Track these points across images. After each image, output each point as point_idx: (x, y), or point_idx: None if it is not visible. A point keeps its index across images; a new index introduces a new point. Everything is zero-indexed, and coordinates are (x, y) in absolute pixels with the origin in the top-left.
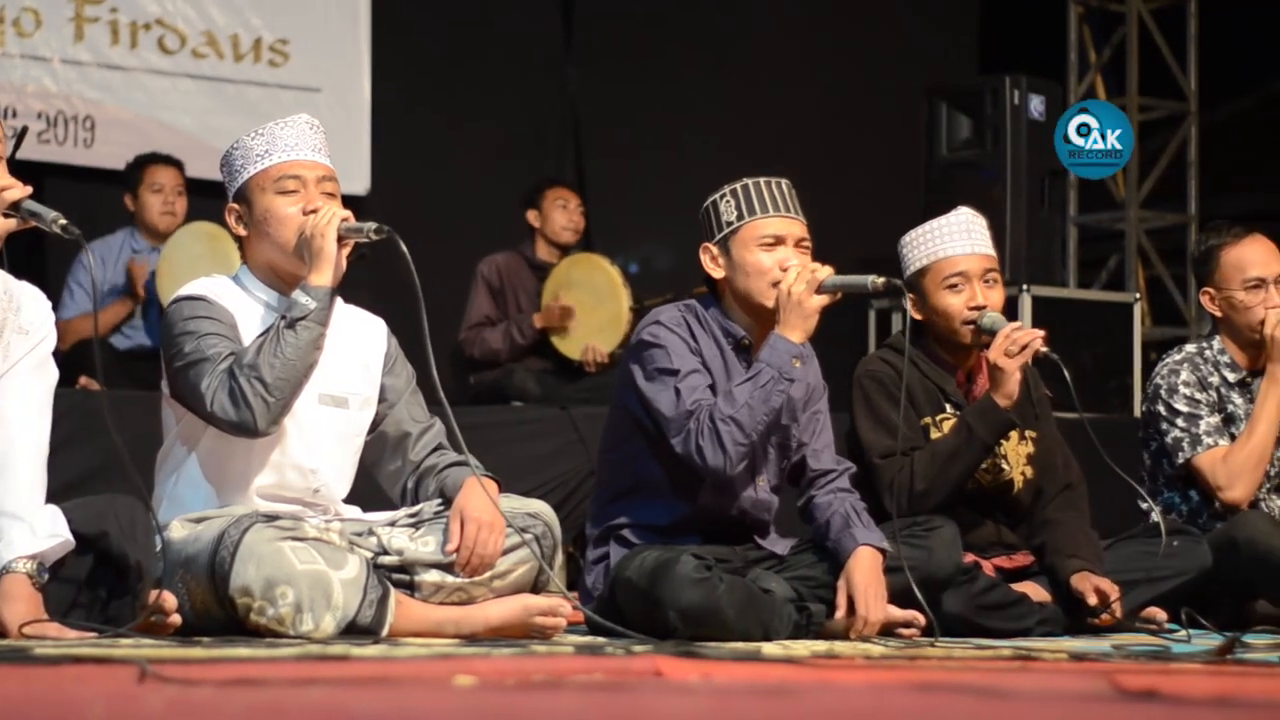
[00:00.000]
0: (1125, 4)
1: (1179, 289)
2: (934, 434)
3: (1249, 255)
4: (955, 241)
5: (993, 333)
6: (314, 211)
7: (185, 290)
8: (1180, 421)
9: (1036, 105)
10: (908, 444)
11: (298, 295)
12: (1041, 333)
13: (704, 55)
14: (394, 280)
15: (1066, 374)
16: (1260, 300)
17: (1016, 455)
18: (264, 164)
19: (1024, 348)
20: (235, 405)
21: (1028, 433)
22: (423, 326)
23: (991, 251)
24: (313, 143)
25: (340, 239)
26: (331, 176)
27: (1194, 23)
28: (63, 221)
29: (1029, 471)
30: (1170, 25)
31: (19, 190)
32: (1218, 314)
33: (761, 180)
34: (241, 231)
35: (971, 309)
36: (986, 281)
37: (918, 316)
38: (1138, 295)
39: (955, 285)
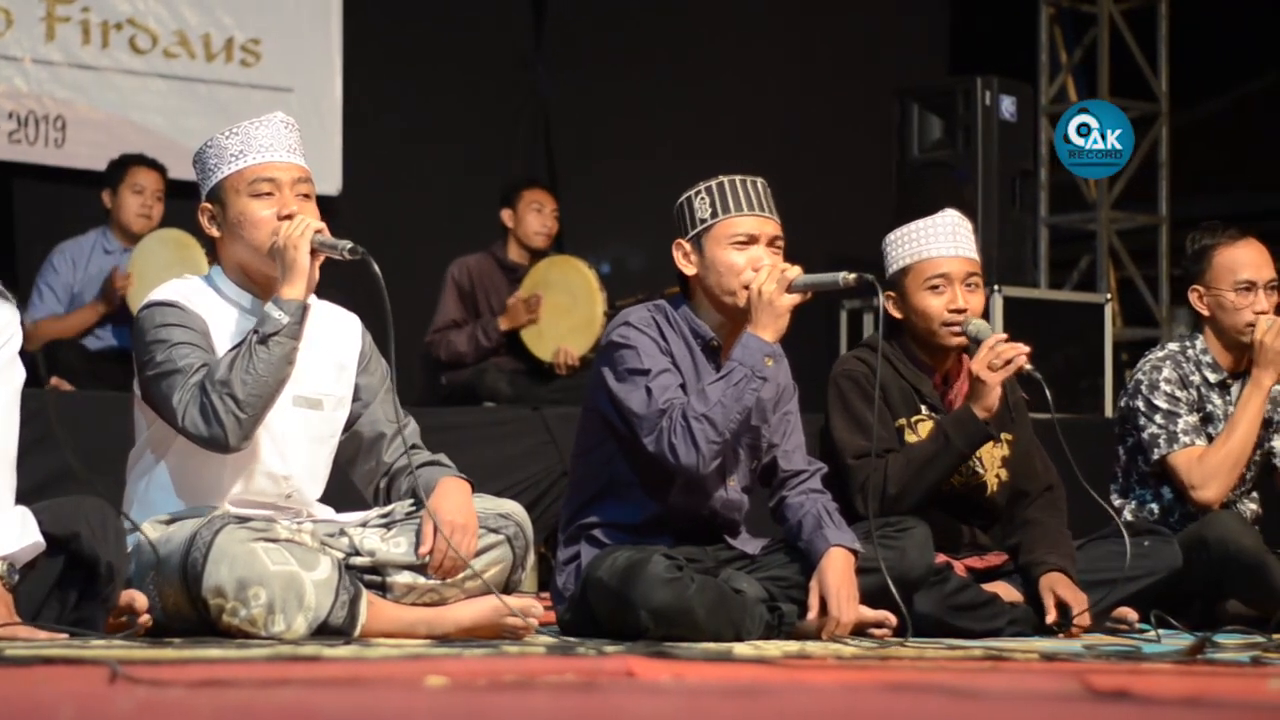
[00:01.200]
0: (1096, 5)
1: (1150, 290)
2: (909, 436)
3: (1242, 257)
4: (939, 243)
5: (978, 340)
6: (288, 217)
7: (157, 295)
8: (1159, 418)
9: (1008, 106)
10: (882, 445)
11: (270, 309)
12: (1026, 349)
13: (675, 56)
14: (363, 280)
15: (1048, 394)
16: (1249, 303)
17: (991, 458)
18: (238, 165)
19: (1008, 363)
20: (207, 422)
21: (1004, 435)
22: (390, 350)
23: (975, 255)
24: (288, 142)
25: (313, 251)
26: (306, 178)
27: (1165, 24)
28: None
29: (1003, 474)
30: (1141, 26)
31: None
32: (1205, 313)
33: (737, 178)
34: (214, 233)
35: (952, 311)
36: (968, 285)
37: (897, 315)
38: (1109, 296)
39: (936, 287)
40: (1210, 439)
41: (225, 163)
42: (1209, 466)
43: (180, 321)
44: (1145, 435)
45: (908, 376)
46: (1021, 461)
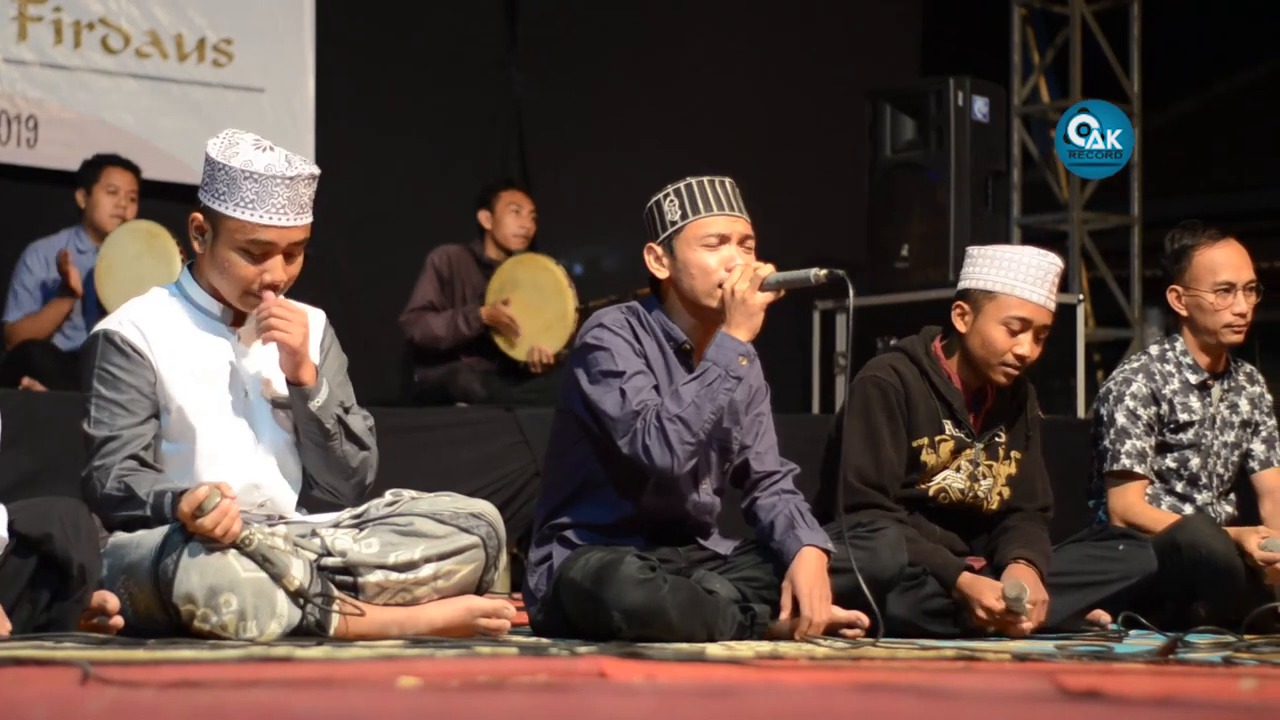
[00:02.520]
0: (1068, 6)
1: (1122, 290)
2: (926, 455)
3: (1221, 258)
4: (1036, 287)
5: (1016, 599)
6: (271, 287)
7: (111, 324)
8: (1111, 433)
9: (980, 107)
10: (886, 478)
11: (165, 504)
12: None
13: (649, 57)
14: (325, 284)
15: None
16: (1228, 304)
17: (998, 473)
18: (244, 215)
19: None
20: (90, 503)
21: (1013, 453)
22: None
23: (1053, 308)
24: (301, 201)
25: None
26: (303, 239)
27: (1137, 25)
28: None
29: (1006, 492)
30: (1113, 27)
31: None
32: (1183, 313)
33: (705, 179)
34: (198, 248)
35: (1017, 355)
36: (1039, 339)
37: (961, 329)
38: (1081, 297)
39: (1014, 328)
40: (1171, 450)
41: (234, 201)
42: (1129, 513)
43: (120, 372)
44: (1100, 445)
45: (941, 389)
46: (1025, 481)
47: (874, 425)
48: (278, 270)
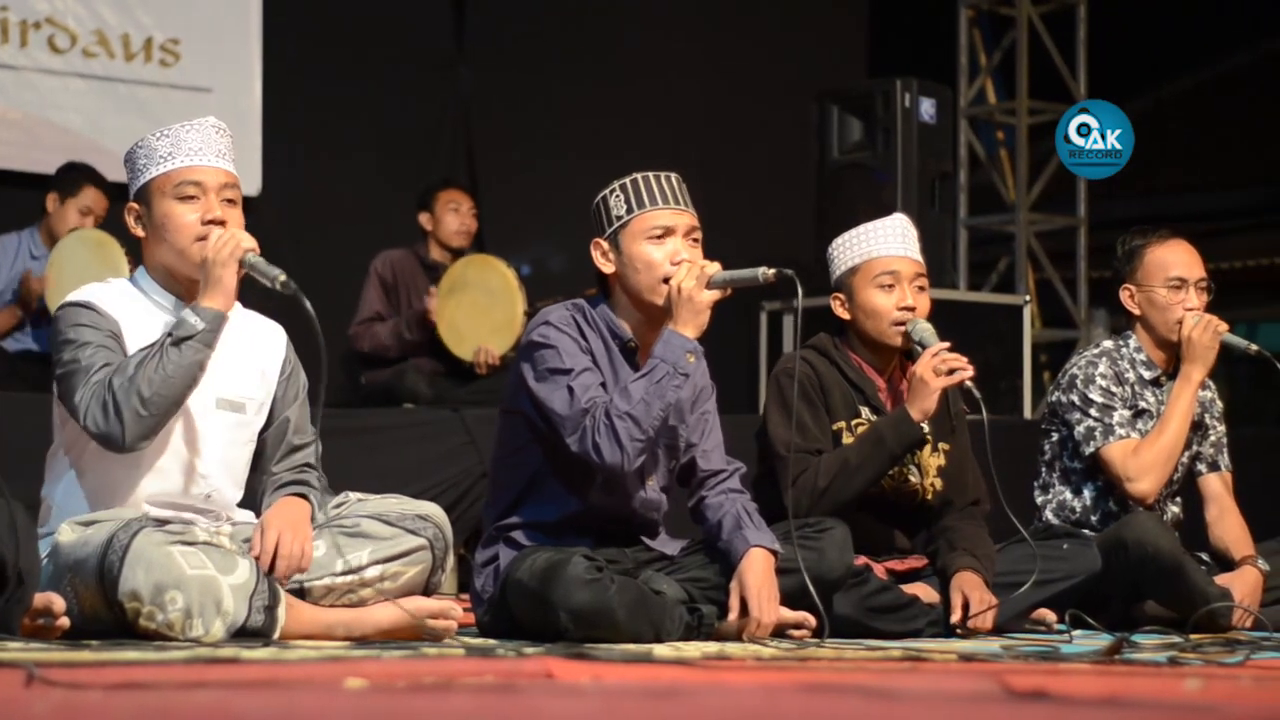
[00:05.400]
0: (1015, 7)
1: (1069, 292)
2: (847, 439)
3: (1173, 256)
4: (889, 243)
5: (920, 343)
6: (218, 223)
7: (74, 295)
8: (1094, 412)
9: (927, 108)
10: (815, 445)
11: (187, 314)
12: (970, 369)
13: (596, 56)
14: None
15: (985, 415)
16: (1180, 300)
17: (928, 465)
18: (166, 167)
19: (952, 371)
20: (106, 417)
21: (941, 445)
22: (320, 391)
23: (921, 259)
24: (217, 147)
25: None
26: (233, 183)
27: (1084, 27)
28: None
29: (938, 483)
30: (1060, 29)
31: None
32: (1136, 311)
33: (650, 174)
34: (140, 233)
35: (901, 309)
36: (916, 286)
37: (844, 316)
38: (1028, 298)
39: (887, 285)
40: (1143, 435)
41: (154, 164)
42: (1144, 459)
43: (92, 323)
44: (1080, 430)
45: (852, 378)
46: (955, 473)
47: (792, 408)
48: (215, 207)
